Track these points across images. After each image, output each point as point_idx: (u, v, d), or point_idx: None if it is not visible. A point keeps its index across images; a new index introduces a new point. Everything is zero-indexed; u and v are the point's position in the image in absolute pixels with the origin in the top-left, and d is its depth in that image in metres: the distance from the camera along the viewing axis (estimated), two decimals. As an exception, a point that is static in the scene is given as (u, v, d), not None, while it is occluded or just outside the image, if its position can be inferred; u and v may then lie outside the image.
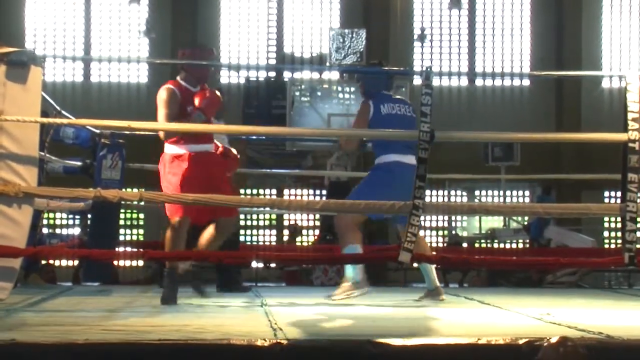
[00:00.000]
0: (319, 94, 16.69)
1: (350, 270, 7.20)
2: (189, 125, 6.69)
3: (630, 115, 5.65)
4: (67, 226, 17.99)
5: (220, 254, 7.08)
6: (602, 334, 4.76)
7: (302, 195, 19.81)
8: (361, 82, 7.45)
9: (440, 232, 20.66)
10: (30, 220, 5.82)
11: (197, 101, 6.88)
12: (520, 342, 4.30)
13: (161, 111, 6.85)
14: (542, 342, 4.11)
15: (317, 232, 18.47)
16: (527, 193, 20.71)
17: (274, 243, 20.58)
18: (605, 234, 20.37)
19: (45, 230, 9.82)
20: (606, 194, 19.77)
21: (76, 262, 12.62)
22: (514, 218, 16.60)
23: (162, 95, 6.90)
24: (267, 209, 16.94)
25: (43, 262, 10.75)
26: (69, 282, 11.05)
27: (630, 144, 5.63)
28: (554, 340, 3.72)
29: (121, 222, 10.29)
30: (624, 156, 5.67)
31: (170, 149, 6.92)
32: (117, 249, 9.60)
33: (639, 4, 21.41)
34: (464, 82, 21.34)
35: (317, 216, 17.60)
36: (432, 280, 7.50)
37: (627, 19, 21.43)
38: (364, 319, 6.01)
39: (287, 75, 19.42)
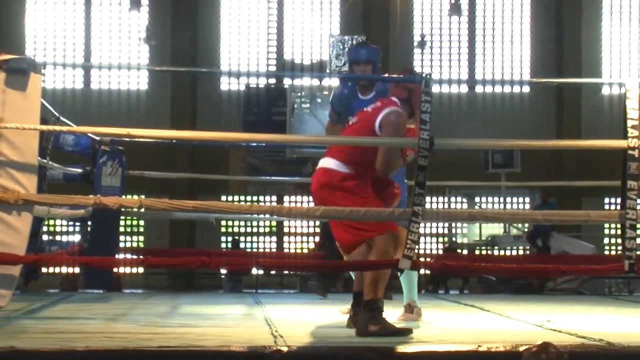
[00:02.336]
0: (319, 100, 16.70)
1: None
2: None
3: (629, 123, 5.62)
4: (68, 233, 17.99)
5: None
6: (603, 340, 4.75)
7: (302, 202, 19.76)
8: (371, 67, 6.90)
9: (441, 239, 20.65)
10: (30, 228, 5.81)
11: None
12: (521, 349, 4.30)
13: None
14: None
15: (316, 238, 18.46)
16: (527, 200, 20.71)
17: (274, 250, 20.58)
18: (606, 240, 20.37)
19: (45, 237, 9.80)
20: (607, 200, 19.76)
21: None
22: (514, 225, 16.60)
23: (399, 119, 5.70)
24: (267, 215, 16.92)
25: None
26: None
27: (630, 152, 5.61)
28: (535, 347, 3.60)
29: (121, 229, 10.25)
30: (624, 163, 5.65)
31: None
32: (117, 256, 9.58)
33: (638, 11, 21.43)
34: (464, 88, 21.35)
35: (317, 223, 17.53)
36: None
37: (626, 25, 21.44)
38: (364, 326, 5.99)
39: (287, 82, 19.43)
